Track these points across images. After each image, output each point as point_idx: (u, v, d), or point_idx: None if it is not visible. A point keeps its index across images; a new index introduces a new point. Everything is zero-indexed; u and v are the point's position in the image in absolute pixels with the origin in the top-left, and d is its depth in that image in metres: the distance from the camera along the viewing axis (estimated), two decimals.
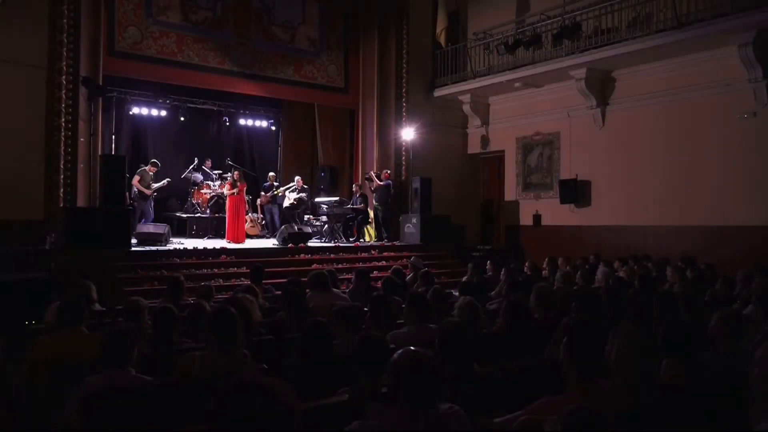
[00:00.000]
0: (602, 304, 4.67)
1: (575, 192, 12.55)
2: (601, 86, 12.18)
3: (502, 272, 7.44)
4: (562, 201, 12.78)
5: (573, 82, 12.21)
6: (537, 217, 13.59)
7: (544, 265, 8.64)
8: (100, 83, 10.50)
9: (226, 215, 11.75)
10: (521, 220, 13.97)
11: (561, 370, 2.63)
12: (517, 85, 13.15)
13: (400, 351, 2.36)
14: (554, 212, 13.12)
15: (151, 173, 11.84)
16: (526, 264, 8.49)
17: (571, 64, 11.80)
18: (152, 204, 12.00)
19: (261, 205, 13.47)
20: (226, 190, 11.82)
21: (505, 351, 3.92)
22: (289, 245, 10.93)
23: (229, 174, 12.81)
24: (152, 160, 12.14)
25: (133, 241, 10.00)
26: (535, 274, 7.68)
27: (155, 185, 11.93)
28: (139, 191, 11.57)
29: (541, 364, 3.60)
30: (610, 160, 12.14)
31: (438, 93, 14.50)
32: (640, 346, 3.43)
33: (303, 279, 6.18)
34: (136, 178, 11.62)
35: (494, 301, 5.95)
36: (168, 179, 12.27)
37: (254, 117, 15.32)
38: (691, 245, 9.99)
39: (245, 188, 12.05)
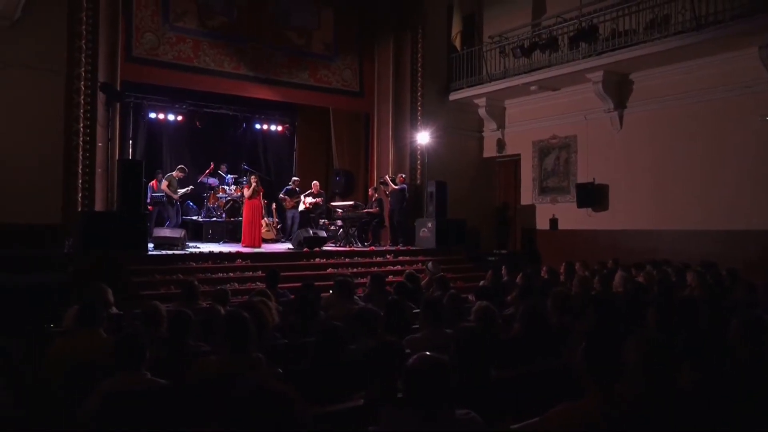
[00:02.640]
0: (620, 309, 4.62)
1: (592, 196, 12.45)
2: (618, 89, 12.09)
3: (519, 277, 7.40)
4: (579, 205, 12.69)
5: (590, 85, 12.13)
6: (554, 221, 13.50)
7: (561, 270, 8.56)
8: (118, 89, 10.62)
9: (243, 220, 11.82)
10: (537, 225, 13.89)
11: (578, 376, 2.60)
12: (533, 88, 13.09)
13: (415, 356, 2.35)
14: (571, 216, 13.02)
15: (177, 179, 12.05)
16: (543, 268, 8.43)
17: (588, 67, 11.72)
18: (179, 209, 12.20)
19: (286, 209, 13.50)
20: (246, 192, 11.89)
21: (521, 356, 3.90)
22: (304, 249, 10.95)
23: (245, 178, 12.93)
24: (180, 166, 12.43)
25: (150, 245, 10.08)
26: (552, 278, 7.62)
27: (181, 191, 12.13)
28: (168, 196, 11.78)
29: (558, 370, 3.57)
30: (627, 163, 12.04)
31: (453, 97, 14.48)
32: (659, 353, 3.38)
33: (317, 283, 6.18)
34: (165, 183, 11.85)
35: (510, 306, 5.91)
36: (192, 186, 12.48)
37: (269, 121, 15.42)
38: (712, 249, 9.85)
39: (262, 193, 12.11)
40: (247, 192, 11.85)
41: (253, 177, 12.03)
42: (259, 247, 11.49)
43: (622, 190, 12.15)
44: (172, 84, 12.16)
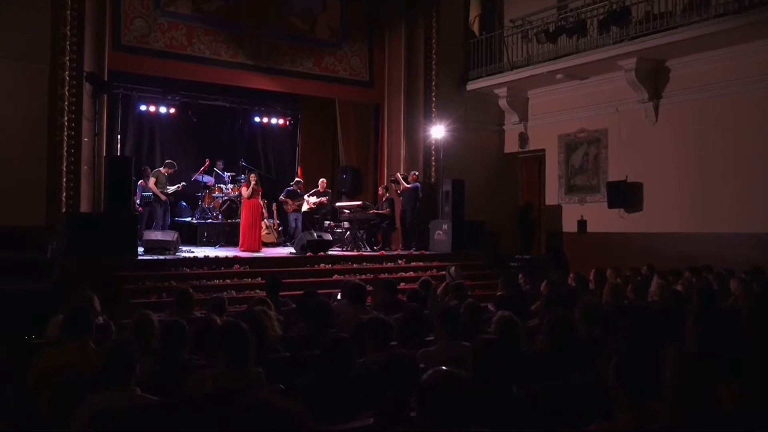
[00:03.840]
0: (656, 320, 4.60)
1: (625, 195, 12.39)
2: (653, 77, 12.02)
3: (543, 285, 7.38)
4: (611, 205, 12.63)
5: (622, 73, 12.07)
6: (582, 223, 13.44)
7: (591, 277, 8.53)
8: (105, 79, 10.70)
9: (241, 222, 11.86)
10: (564, 227, 13.84)
11: (609, 394, 2.59)
12: (559, 76, 13.05)
13: (430, 371, 2.36)
14: (601, 218, 12.96)
15: (166, 175, 12.06)
16: (570, 275, 8.40)
17: (620, 53, 11.66)
18: (168, 209, 12.24)
19: (288, 212, 13.53)
20: (244, 192, 11.88)
21: (546, 372, 3.89)
22: (308, 254, 10.98)
23: (243, 176, 12.96)
24: (167, 161, 12.39)
25: (140, 249, 10.14)
26: (580, 286, 7.60)
27: (170, 188, 12.15)
28: (155, 195, 11.81)
29: (586, 386, 3.56)
30: (664, 159, 11.97)
31: (471, 86, 14.46)
32: (698, 368, 3.36)
33: (322, 291, 6.20)
34: (152, 180, 11.89)
35: (534, 317, 5.90)
36: (183, 183, 12.52)
37: (270, 114, 15.48)
38: (759, 255, 9.76)
39: (261, 193, 12.14)
40: (245, 191, 11.86)
41: (252, 175, 12.06)
42: (259, 251, 11.54)
43: (657, 188, 12.08)
44: (164, 74, 12.24)
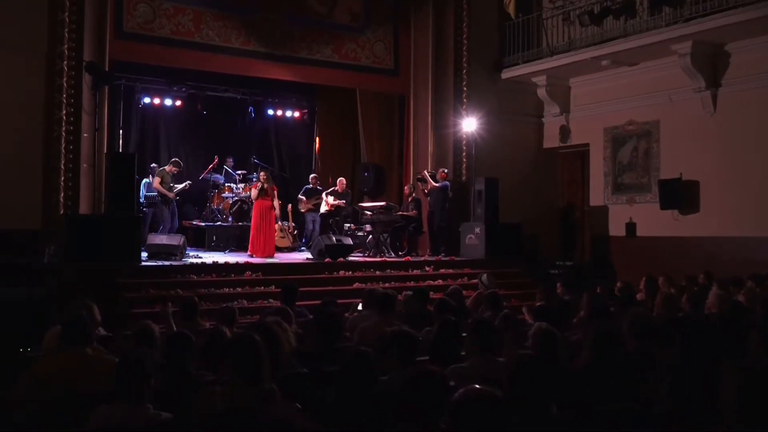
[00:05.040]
0: (715, 334, 4.55)
1: (679, 195, 12.27)
2: (711, 63, 11.88)
3: (587, 295, 7.33)
4: (663, 206, 12.51)
5: (675, 59, 11.95)
6: (630, 226, 13.33)
7: (641, 286, 8.47)
8: (107, 69, 10.85)
9: (251, 224, 11.92)
10: (611, 230, 13.74)
11: (662, 416, 2.57)
12: (604, 63, 12.97)
13: (461, 390, 2.36)
14: (653, 220, 12.84)
15: (171, 174, 12.18)
16: (617, 284, 8.33)
17: (673, 37, 11.55)
18: (176, 211, 12.36)
19: (302, 212, 13.59)
20: (252, 193, 11.92)
21: (589, 391, 3.86)
22: (326, 260, 11.02)
23: (255, 174, 13.02)
24: (173, 159, 12.55)
25: (144, 254, 10.27)
26: (629, 297, 7.54)
27: (177, 187, 12.27)
28: (162, 195, 11.94)
29: (635, 408, 3.53)
30: (723, 154, 11.82)
31: (506, 74, 14.42)
32: (763, 387, 3.32)
33: (342, 300, 6.24)
34: (157, 179, 12.01)
35: (578, 330, 5.86)
36: (189, 182, 12.62)
37: (285, 106, 15.58)
38: None
39: (276, 192, 12.10)
40: (253, 192, 11.86)
41: (262, 173, 12.06)
42: (271, 257, 11.59)
43: (716, 187, 11.94)
44: (169, 63, 12.38)
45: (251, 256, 11.44)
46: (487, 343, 4.29)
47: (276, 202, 11.96)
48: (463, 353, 4.56)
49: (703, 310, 7.04)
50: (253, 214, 11.86)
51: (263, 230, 11.68)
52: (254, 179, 12.95)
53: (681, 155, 12.49)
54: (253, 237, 11.74)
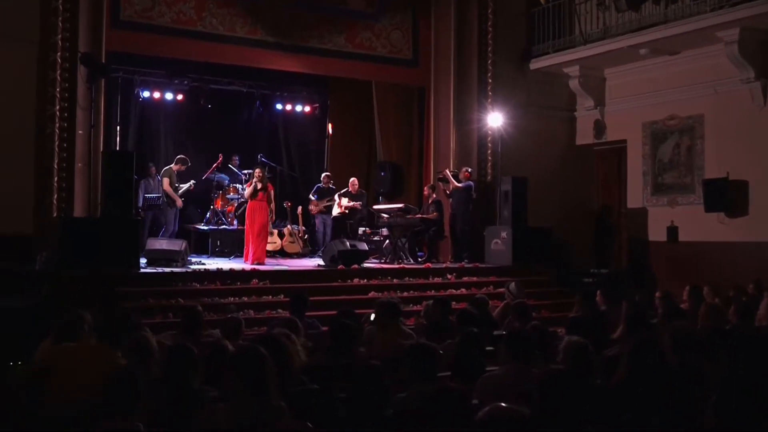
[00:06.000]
0: (765, 349, 4.51)
1: (726, 196, 12.17)
2: (760, 51, 11.78)
3: (625, 305, 7.30)
4: (708, 208, 12.41)
5: (721, 47, 11.87)
6: (672, 230, 13.23)
7: (684, 296, 8.42)
8: (103, 61, 10.93)
9: (246, 228, 11.69)
10: (650, 234, 13.66)
11: None
12: (643, 52, 12.90)
13: (486, 408, 2.35)
14: (696, 223, 12.74)
15: (177, 173, 12.21)
16: (657, 294, 8.29)
17: (719, 23, 11.47)
18: (178, 213, 12.38)
19: (312, 214, 13.58)
20: (247, 193, 11.79)
21: (627, 409, 3.84)
22: (339, 266, 11.03)
23: (248, 172, 12.93)
24: (180, 156, 12.48)
25: (143, 260, 10.33)
26: (671, 308, 7.50)
27: (182, 188, 12.31)
28: (169, 197, 11.98)
29: (677, 427, 3.50)
30: None
31: (535, 65, 14.39)
32: None
33: (358, 311, 6.24)
34: (166, 180, 12.04)
35: (614, 344, 5.84)
36: (194, 181, 12.65)
37: (294, 100, 15.61)
38: None
39: (273, 191, 12.02)
40: (248, 190, 11.72)
41: (257, 169, 11.80)
42: (263, 263, 11.37)
43: (767, 188, 11.84)
44: (170, 54, 12.46)
45: (246, 262, 11.34)
46: (523, 354, 4.31)
47: (273, 205, 11.89)
48: (488, 368, 4.55)
49: (753, 322, 6.98)
50: (247, 214, 11.66)
51: (252, 234, 11.47)
52: (247, 177, 12.81)
53: (727, 152, 12.39)
54: (247, 240, 11.58)
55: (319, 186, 13.64)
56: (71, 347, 4.33)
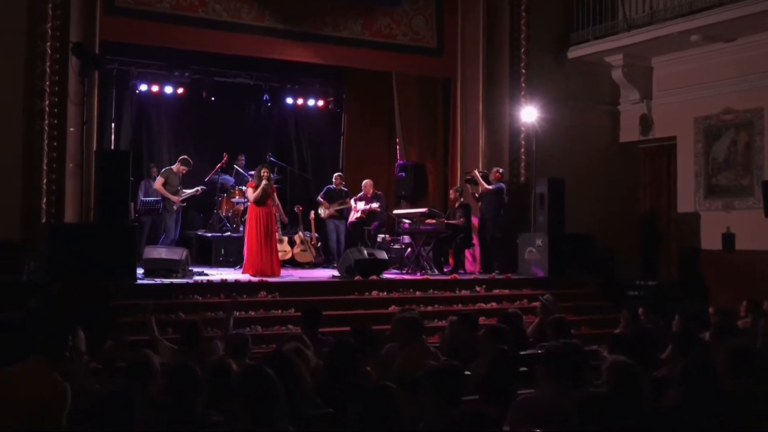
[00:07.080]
0: None
1: None
2: None
3: (675, 321, 7.25)
4: None
5: None
6: (728, 237, 13.15)
7: (741, 311, 8.37)
8: (96, 52, 11.01)
9: (246, 235, 11.60)
10: (703, 242, 13.59)
11: None
12: (694, 38, 12.82)
13: None
14: (755, 229, 12.64)
15: (179, 175, 12.25)
16: (711, 309, 8.24)
17: None
18: (179, 219, 12.41)
19: (324, 218, 13.57)
20: (249, 194, 11.66)
21: None
22: (356, 277, 11.04)
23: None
24: (182, 157, 12.53)
25: (140, 270, 10.38)
26: (727, 324, 7.42)
27: (186, 192, 12.33)
28: (165, 199, 12.03)
29: None
30: None
31: (574, 54, 14.36)
32: None
33: (375, 327, 6.25)
34: (160, 180, 12.08)
35: (664, 365, 5.81)
36: (202, 186, 12.69)
37: (306, 94, 15.67)
38: None
39: (275, 193, 11.97)
40: (250, 193, 11.55)
41: (263, 169, 11.64)
42: (278, 275, 11.34)
43: None
44: (169, 44, 12.52)
45: (244, 273, 11.31)
46: (561, 373, 4.30)
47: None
48: (520, 391, 4.54)
49: None
50: (248, 219, 11.58)
51: (260, 243, 11.36)
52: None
53: None
54: (246, 250, 11.52)
55: (329, 187, 13.63)
56: (7, 372, 4.34)
